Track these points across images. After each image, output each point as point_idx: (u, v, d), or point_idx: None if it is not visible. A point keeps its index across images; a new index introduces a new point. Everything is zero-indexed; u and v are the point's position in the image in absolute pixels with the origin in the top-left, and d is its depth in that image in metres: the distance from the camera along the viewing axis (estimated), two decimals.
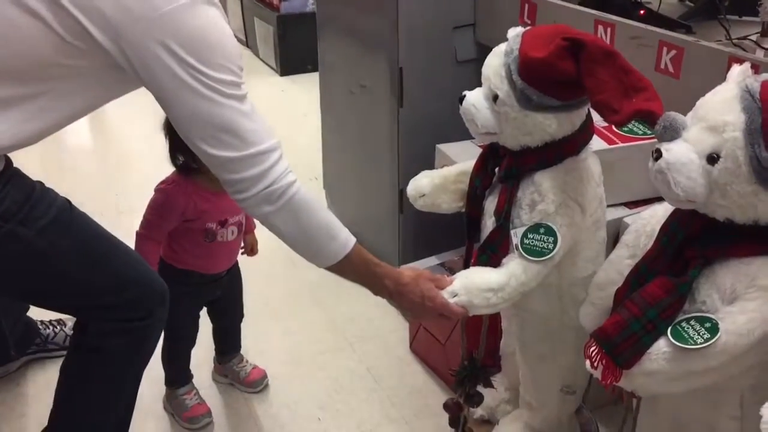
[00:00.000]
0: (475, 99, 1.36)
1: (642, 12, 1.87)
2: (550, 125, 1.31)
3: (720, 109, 1.07)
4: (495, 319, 1.66)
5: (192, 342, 1.98)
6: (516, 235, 1.35)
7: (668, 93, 1.28)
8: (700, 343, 1.05)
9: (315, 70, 2.87)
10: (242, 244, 1.96)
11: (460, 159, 1.85)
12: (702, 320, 1.08)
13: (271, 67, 4.97)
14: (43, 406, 1.58)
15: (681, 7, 2.06)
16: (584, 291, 1.38)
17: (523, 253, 1.33)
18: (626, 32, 1.68)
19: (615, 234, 1.60)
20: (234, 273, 1.98)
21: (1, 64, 1.22)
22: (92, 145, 3.97)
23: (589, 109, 1.35)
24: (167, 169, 1.79)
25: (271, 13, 4.76)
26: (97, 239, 1.46)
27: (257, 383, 2.09)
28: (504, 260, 1.36)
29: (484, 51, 1.42)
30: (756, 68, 1.29)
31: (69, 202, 1.44)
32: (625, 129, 1.72)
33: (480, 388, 1.60)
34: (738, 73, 1.13)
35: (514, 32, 1.35)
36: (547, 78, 1.26)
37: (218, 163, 1.28)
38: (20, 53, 1.21)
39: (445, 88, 2.14)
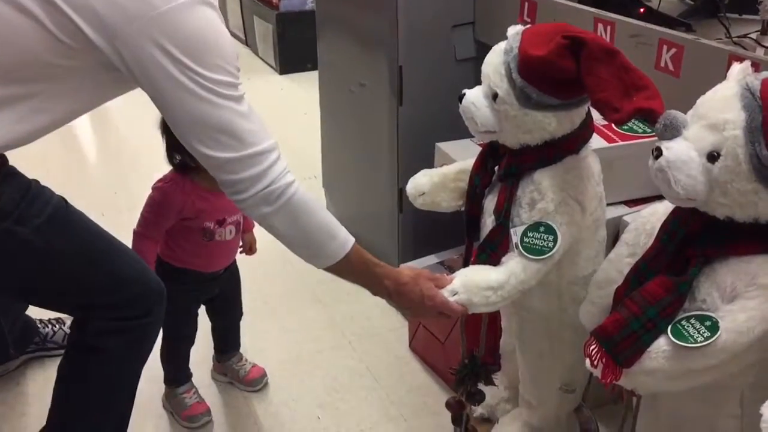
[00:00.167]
0: (474, 97, 1.36)
1: (642, 10, 1.86)
2: (549, 124, 1.31)
3: (720, 107, 1.06)
4: (494, 317, 1.66)
5: (191, 340, 1.97)
6: (516, 234, 1.35)
7: (668, 91, 1.27)
8: (701, 342, 1.05)
9: (314, 68, 2.87)
10: (241, 243, 1.95)
11: (460, 157, 1.85)
12: (702, 318, 1.08)
13: (271, 66, 4.96)
14: (44, 405, 1.58)
15: (681, 5, 2.06)
16: (584, 289, 1.38)
17: (522, 251, 1.33)
18: (626, 30, 1.68)
19: (615, 232, 1.60)
20: (232, 271, 1.98)
21: None
22: (94, 143, 3.97)
23: (588, 108, 1.35)
24: (168, 168, 1.79)
25: (271, 11, 4.76)
26: (93, 237, 1.46)
27: (256, 382, 2.09)
28: (504, 259, 1.36)
29: (484, 49, 1.42)
30: (756, 66, 1.29)
31: (65, 200, 1.43)
32: (625, 127, 1.73)
33: (481, 386, 1.60)
34: (738, 71, 1.13)
35: (514, 30, 1.34)
36: (546, 76, 1.26)
37: (216, 164, 1.28)
38: (12, 52, 1.20)
39: (445, 87, 2.13)
